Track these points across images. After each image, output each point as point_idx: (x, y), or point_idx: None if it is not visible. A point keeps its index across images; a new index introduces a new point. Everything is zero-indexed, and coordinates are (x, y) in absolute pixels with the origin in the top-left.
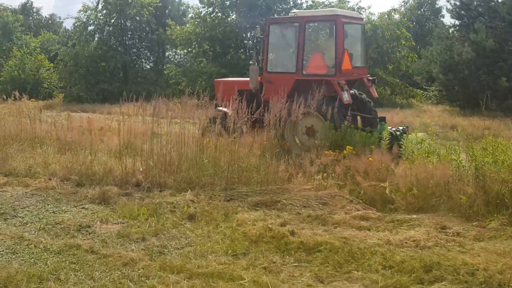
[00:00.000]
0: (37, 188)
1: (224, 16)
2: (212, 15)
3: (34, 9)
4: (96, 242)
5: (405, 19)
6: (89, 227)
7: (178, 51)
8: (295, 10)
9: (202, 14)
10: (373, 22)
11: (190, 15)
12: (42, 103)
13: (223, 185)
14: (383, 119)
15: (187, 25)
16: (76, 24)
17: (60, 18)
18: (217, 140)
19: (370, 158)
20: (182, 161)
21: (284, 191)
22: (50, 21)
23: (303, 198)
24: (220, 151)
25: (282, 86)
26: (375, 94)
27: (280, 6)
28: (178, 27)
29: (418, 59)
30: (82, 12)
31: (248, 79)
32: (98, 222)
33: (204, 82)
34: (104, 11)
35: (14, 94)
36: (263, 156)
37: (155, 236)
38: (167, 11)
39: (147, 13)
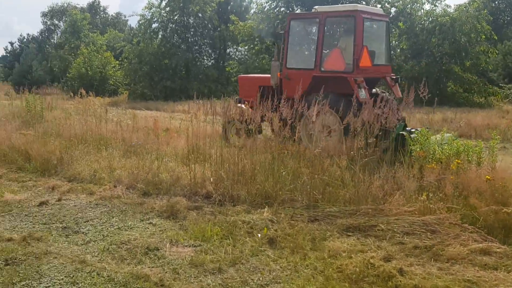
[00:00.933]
0: (102, 196)
1: (288, 11)
2: (275, 10)
3: (101, 8)
4: (166, 272)
5: (486, 11)
6: (158, 249)
7: (240, 47)
8: (317, 6)
9: (265, 9)
10: (451, 15)
11: (252, 11)
12: (108, 100)
13: (304, 202)
14: (402, 119)
15: (249, 21)
16: (140, 22)
17: (125, 17)
18: (295, 147)
19: (487, 176)
20: (256, 171)
21: (380, 213)
22: (116, 20)
23: (405, 223)
24: (299, 161)
25: (300, 83)
26: (399, 94)
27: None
28: (241, 23)
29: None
30: (146, 10)
31: (269, 75)
32: (168, 244)
33: None
34: (168, 8)
35: (80, 92)
36: (351, 169)
37: (233, 266)
38: (229, 7)
39: (210, 9)
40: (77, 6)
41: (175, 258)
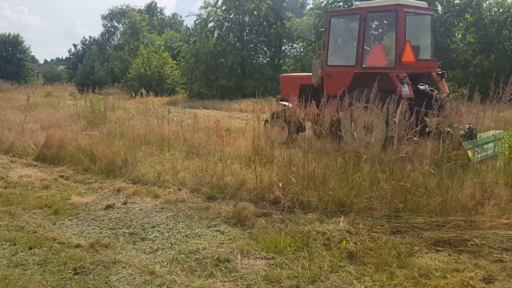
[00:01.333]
0: (167, 200)
1: (346, 6)
2: (333, 6)
3: (158, 9)
4: None
5: None
6: (229, 261)
7: (295, 44)
8: (357, 2)
9: (323, 5)
10: None
11: (309, 7)
12: (166, 99)
13: (384, 211)
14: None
15: (305, 17)
16: (197, 22)
17: (181, 17)
18: (366, 149)
19: None
20: (327, 175)
21: (472, 225)
22: (172, 20)
23: (503, 238)
24: (373, 165)
25: (341, 80)
26: (446, 90)
27: None
28: (297, 20)
29: None
30: (203, 9)
31: (311, 74)
32: (239, 255)
33: None
34: (223, 7)
35: (141, 92)
36: (435, 175)
37: (312, 284)
38: (284, 4)
39: (266, 6)
40: (135, 8)
41: (248, 272)
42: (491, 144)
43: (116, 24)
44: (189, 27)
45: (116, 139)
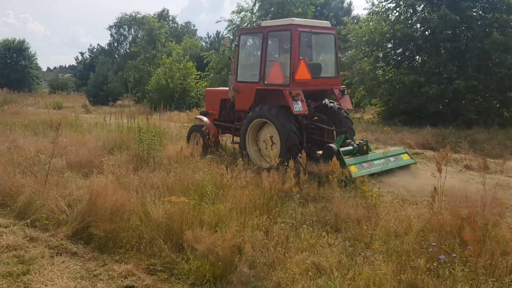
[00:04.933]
0: None
1: (409, 14)
2: (394, 12)
3: (170, 17)
4: None
5: None
6: None
7: (349, 53)
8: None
9: (383, 9)
10: None
11: (364, 12)
12: (192, 115)
13: None
14: (344, 132)
15: (359, 24)
16: (229, 28)
17: (194, 26)
18: None
19: None
20: None
21: None
22: (185, 29)
23: None
24: None
25: (248, 96)
26: (346, 105)
27: None
28: (353, 26)
29: None
30: (235, 14)
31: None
32: None
33: (386, 93)
34: (258, 13)
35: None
36: None
37: None
38: (324, 11)
39: (313, 10)
40: (148, 15)
41: None
42: (382, 160)
43: (125, 32)
44: (210, 35)
45: (201, 198)
